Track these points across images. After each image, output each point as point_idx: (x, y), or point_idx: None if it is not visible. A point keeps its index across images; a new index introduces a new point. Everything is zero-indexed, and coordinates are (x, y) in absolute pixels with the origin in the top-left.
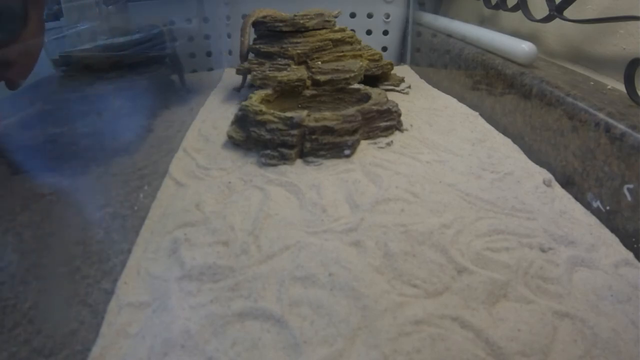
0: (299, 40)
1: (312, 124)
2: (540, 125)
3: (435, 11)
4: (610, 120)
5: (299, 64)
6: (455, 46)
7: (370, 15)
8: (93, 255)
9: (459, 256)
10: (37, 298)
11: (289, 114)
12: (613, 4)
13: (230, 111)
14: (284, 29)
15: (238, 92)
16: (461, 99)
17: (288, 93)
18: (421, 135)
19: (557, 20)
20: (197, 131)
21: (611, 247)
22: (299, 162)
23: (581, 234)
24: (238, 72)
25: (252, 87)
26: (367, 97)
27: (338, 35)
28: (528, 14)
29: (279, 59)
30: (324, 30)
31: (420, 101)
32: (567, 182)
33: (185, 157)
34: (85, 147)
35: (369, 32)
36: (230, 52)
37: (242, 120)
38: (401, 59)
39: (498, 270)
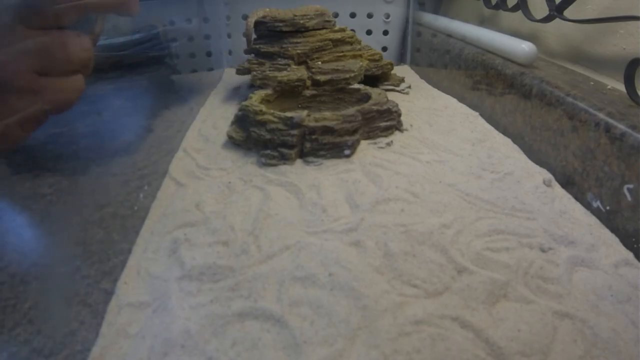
0: (299, 40)
1: (312, 124)
2: (540, 125)
3: (435, 11)
4: (610, 120)
5: (299, 64)
6: (455, 46)
7: (370, 15)
8: (93, 255)
9: (459, 256)
10: (37, 298)
11: (289, 114)
12: (613, 4)
13: (230, 111)
14: (284, 29)
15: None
16: (461, 99)
17: (288, 93)
18: (421, 135)
19: (557, 20)
20: (197, 131)
21: (611, 247)
22: (299, 162)
23: (581, 234)
24: (238, 72)
25: (252, 87)
26: (367, 97)
27: (338, 35)
28: (528, 14)
29: (279, 59)
30: (324, 30)
31: (420, 101)
32: (567, 182)
33: (185, 157)
34: (85, 147)
35: (369, 32)
36: (230, 52)
37: (242, 120)
38: (401, 59)
39: (498, 270)
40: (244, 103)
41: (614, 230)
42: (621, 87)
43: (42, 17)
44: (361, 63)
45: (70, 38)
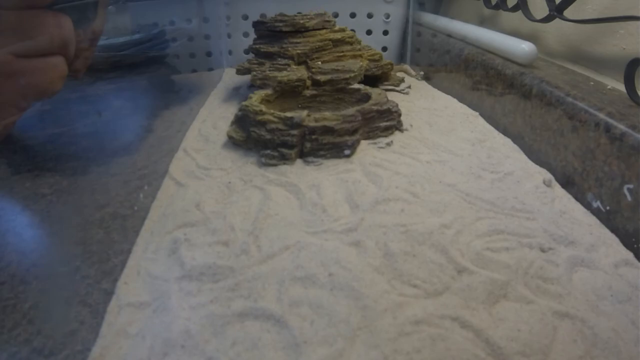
0: (299, 40)
1: (312, 124)
2: (540, 125)
3: (435, 11)
4: (610, 120)
5: (299, 64)
6: (455, 46)
7: (370, 15)
8: (93, 255)
9: (459, 256)
10: (37, 298)
11: (289, 114)
12: (613, 4)
13: (230, 111)
14: (284, 28)
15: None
16: (461, 99)
17: (288, 93)
18: (421, 135)
19: (557, 20)
20: (197, 131)
21: (611, 247)
22: (299, 162)
23: (581, 234)
24: (238, 72)
25: (252, 87)
26: (367, 97)
27: (338, 35)
28: (528, 14)
29: (279, 59)
30: (324, 30)
31: (420, 101)
32: (567, 182)
33: (185, 157)
34: (85, 147)
35: (369, 32)
36: (230, 52)
37: (242, 120)
38: (401, 59)
39: (498, 270)
40: (244, 103)
41: (614, 230)
42: (621, 87)
43: None
44: (361, 63)
45: (46, 17)
